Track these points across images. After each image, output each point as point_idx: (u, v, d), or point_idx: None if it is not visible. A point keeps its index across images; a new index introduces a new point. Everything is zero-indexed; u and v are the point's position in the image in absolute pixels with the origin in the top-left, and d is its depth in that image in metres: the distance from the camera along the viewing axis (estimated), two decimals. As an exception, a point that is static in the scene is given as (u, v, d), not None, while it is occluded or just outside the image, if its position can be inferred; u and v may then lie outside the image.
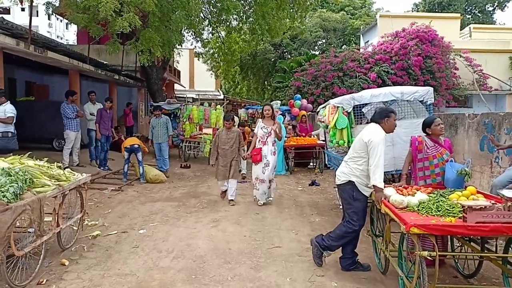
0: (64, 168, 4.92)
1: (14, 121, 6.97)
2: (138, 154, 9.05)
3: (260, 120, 7.20)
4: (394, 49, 16.49)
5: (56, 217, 4.25)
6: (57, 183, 4.24)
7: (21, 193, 3.61)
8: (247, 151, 7.60)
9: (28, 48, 8.36)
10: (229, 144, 7.00)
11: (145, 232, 5.37)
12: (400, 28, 17.27)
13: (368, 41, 23.37)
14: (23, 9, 38.92)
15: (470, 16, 34.44)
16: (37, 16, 44.54)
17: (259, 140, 6.97)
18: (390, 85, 14.08)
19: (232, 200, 7.10)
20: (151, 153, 11.49)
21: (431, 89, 5.89)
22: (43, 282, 3.77)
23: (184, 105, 13.68)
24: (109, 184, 8.71)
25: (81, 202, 4.96)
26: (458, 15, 23.77)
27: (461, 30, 23.04)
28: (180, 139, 12.81)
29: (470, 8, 34.74)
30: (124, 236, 5.25)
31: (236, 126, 10.94)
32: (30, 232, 3.86)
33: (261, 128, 6.98)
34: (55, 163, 4.78)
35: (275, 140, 7.02)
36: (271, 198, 7.20)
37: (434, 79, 16.02)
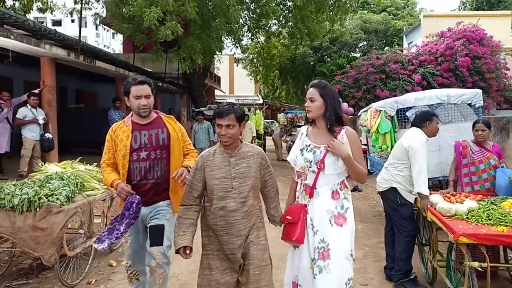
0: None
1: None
2: None
3: (302, 130, 2.81)
4: (439, 49, 15.88)
5: (105, 219, 4.45)
6: (106, 186, 4.43)
7: (72, 196, 3.81)
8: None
9: (78, 58, 8.82)
10: (237, 192, 2.49)
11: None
12: (446, 28, 16.62)
13: (411, 42, 22.69)
14: (73, 21, 41.14)
15: (522, 13, 32.56)
16: (86, 26, 46.84)
17: (301, 179, 2.68)
18: (436, 87, 13.59)
19: None
20: (193, 157, 11.72)
21: (480, 91, 5.63)
22: (92, 282, 3.94)
23: (224, 110, 13.88)
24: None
25: (127, 205, 5.14)
26: (509, 12, 22.54)
27: (512, 28, 21.82)
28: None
29: (523, 4, 32.84)
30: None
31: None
32: (80, 234, 4.06)
33: (304, 148, 2.67)
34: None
35: (343, 180, 2.63)
36: None
37: (483, 80, 15.26)
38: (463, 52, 15.33)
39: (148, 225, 2.88)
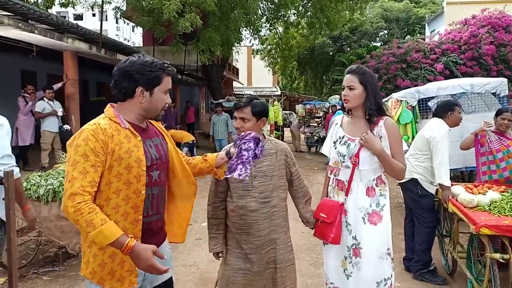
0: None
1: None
2: (194, 149, 9.45)
3: (337, 120, 2.61)
4: (463, 37, 15.45)
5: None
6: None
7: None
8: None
9: (100, 52, 8.98)
10: (258, 191, 2.35)
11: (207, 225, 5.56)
12: (470, 15, 16.16)
13: (434, 30, 22.16)
14: (94, 15, 41.76)
15: (552, -2, 31.30)
16: (106, 20, 47.38)
17: (333, 174, 2.52)
18: (459, 77, 13.30)
19: None
20: (212, 149, 11.83)
21: (505, 80, 5.49)
22: (116, 270, 4.05)
23: (242, 102, 13.98)
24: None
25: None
26: (538, -3, 21.69)
27: (541, 13, 21.00)
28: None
29: (552, -12, 31.54)
30: (188, 228, 5.48)
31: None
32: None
33: (337, 141, 2.50)
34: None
35: (380, 175, 2.45)
36: None
37: (509, 69, 14.81)
38: (488, 40, 14.90)
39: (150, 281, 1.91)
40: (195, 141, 9.61)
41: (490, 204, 3.24)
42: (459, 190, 3.52)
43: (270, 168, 2.37)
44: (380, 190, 2.41)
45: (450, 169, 3.79)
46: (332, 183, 2.51)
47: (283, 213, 2.47)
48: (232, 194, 2.39)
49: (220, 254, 2.48)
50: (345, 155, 2.40)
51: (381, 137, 2.34)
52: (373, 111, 2.35)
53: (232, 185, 2.38)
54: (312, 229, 2.55)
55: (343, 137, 2.46)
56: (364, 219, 2.36)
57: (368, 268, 2.31)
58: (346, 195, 2.40)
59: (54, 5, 13.97)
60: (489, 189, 3.57)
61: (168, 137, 2.02)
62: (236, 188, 2.37)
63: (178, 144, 9.47)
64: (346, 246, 2.38)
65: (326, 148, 2.61)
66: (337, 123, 2.58)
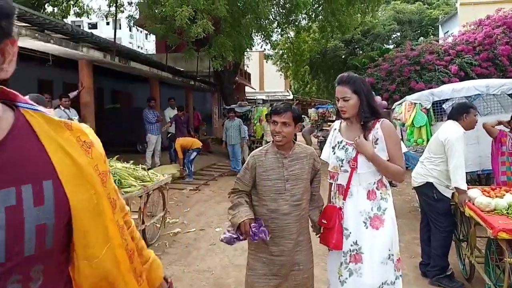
0: (148, 169, 5.29)
1: None
2: (194, 153, 9.50)
3: (335, 125, 2.63)
4: (477, 38, 15.24)
5: (142, 215, 4.60)
6: (142, 183, 4.58)
7: (111, 193, 3.88)
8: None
9: (114, 60, 9.12)
10: (290, 194, 2.37)
11: (221, 230, 5.57)
12: (484, 16, 15.95)
13: (447, 31, 21.91)
14: (108, 23, 42.45)
15: None
16: (120, 28, 47.97)
17: (334, 180, 2.54)
18: (474, 78, 13.11)
19: None
20: (225, 154, 11.88)
21: (522, 81, 5.39)
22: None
23: (254, 107, 14.00)
24: (188, 184, 9.18)
25: (163, 201, 5.30)
26: (554, -4, 21.28)
27: (558, 12, 20.59)
28: (251, 141, 13.16)
29: None
30: (202, 233, 5.52)
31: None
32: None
33: (336, 146, 2.50)
34: (140, 165, 5.17)
35: (381, 178, 2.39)
36: None
37: (525, 69, 14.54)
38: (503, 40, 14.68)
39: None
40: (201, 148, 9.78)
41: (508, 208, 3.18)
42: (475, 193, 3.47)
43: (301, 172, 2.42)
44: (381, 193, 2.38)
45: (466, 172, 3.73)
46: (333, 188, 2.53)
47: (308, 215, 2.53)
48: (264, 197, 2.39)
49: (248, 223, 2.29)
50: (343, 160, 2.41)
51: (377, 139, 2.35)
52: (368, 118, 2.36)
53: (264, 188, 2.39)
54: (317, 234, 2.56)
55: (341, 142, 2.47)
56: (365, 223, 2.33)
57: (369, 274, 2.26)
58: (344, 199, 2.39)
59: (70, 15, 14.30)
60: (506, 192, 3.51)
61: (88, 175, 0.92)
62: (269, 192, 2.38)
63: (187, 149, 9.48)
64: (342, 251, 2.35)
65: (325, 154, 2.61)
66: (335, 129, 2.59)
